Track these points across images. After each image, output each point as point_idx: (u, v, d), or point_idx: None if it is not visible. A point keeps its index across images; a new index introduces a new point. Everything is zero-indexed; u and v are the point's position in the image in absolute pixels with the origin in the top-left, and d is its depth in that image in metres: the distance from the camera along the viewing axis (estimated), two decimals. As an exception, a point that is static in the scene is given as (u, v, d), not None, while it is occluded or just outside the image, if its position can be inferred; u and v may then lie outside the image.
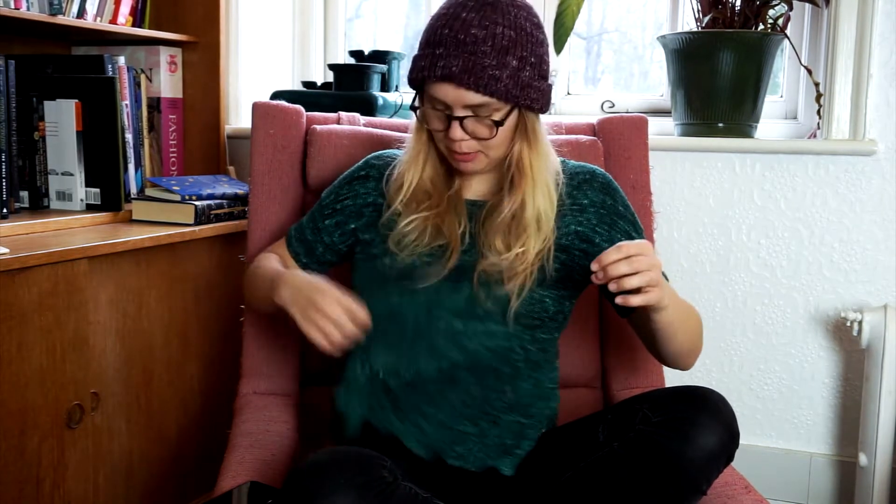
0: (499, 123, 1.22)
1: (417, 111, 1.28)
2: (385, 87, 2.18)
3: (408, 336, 1.27)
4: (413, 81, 1.26)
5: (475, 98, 1.20)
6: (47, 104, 1.90)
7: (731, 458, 1.12)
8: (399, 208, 1.31)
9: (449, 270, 1.27)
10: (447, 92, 1.20)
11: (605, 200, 1.32)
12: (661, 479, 1.09)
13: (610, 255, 1.09)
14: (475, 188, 1.34)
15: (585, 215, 1.31)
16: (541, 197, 1.27)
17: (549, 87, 1.27)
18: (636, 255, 1.09)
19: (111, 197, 1.92)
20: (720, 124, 1.94)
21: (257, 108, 1.62)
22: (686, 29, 2.09)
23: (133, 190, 2.00)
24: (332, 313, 1.16)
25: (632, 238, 1.32)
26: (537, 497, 1.22)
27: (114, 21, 2.00)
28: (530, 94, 1.23)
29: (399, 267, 1.29)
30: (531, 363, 1.31)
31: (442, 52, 1.19)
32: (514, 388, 1.30)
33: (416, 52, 1.25)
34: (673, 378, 2.12)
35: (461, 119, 1.22)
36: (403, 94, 2.15)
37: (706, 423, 1.09)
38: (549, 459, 1.26)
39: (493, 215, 1.28)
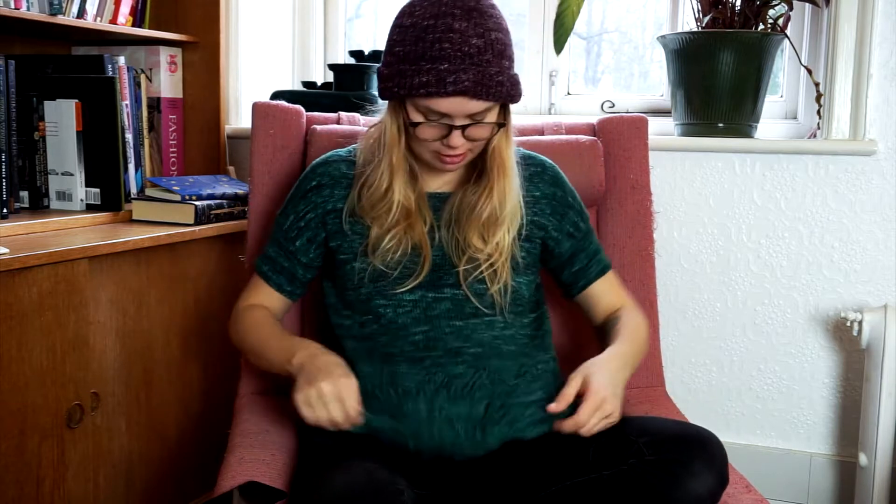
0: (501, 125, 1.25)
1: (404, 125, 1.25)
2: (385, 87, 2.18)
3: (420, 346, 1.27)
4: (410, 96, 1.20)
5: (481, 106, 1.20)
6: (47, 104, 1.90)
7: (716, 501, 1.13)
8: (370, 220, 1.30)
9: (425, 274, 1.29)
10: (455, 105, 1.19)
11: (556, 192, 1.38)
12: None
13: (585, 416, 1.17)
14: (437, 180, 1.35)
15: (538, 206, 1.36)
16: (514, 189, 1.30)
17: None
18: (601, 405, 1.18)
19: (111, 197, 1.92)
20: (720, 124, 1.94)
21: (257, 108, 1.62)
22: (686, 29, 2.09)
23: (133, 190, 2.00)
24: (333, 410, 1.18)
25: (578, 227, 1.39)
26: None
27: (114, 21, 2.00)
28: (517, 88, 1.25)
29: (371, 271, 1.30)
30: (532, 345, 1.34)
31: (448, 68, 1.17)
32: (531, 365, 1.32)
33: (395, 64, 1.20)
34: (672, 378, 2.12)
35: (463, 127, 1.22)
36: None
37: (699, 470, 1.10)
38: (535, 466, 1.26)
39: (467, 210, 1.30)
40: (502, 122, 1.25)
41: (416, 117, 1.23)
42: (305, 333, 1.59)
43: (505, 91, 1.21)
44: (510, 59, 1.23)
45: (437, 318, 1.28)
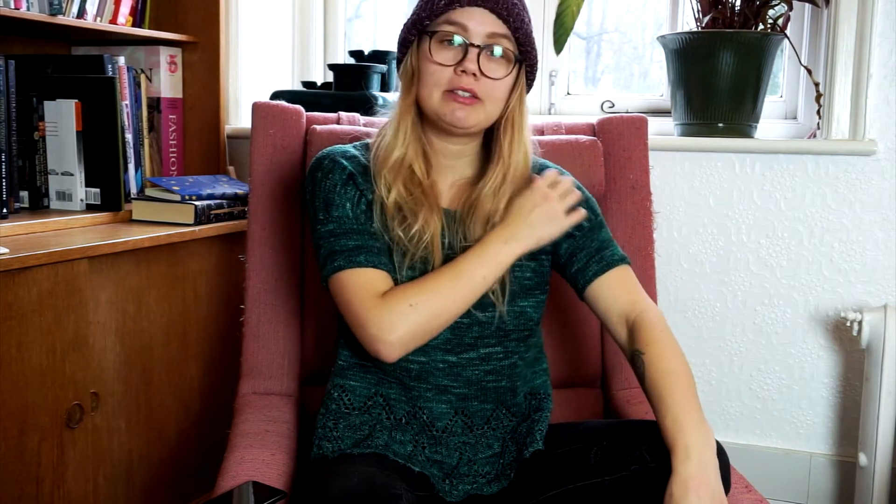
0: (518, 59, 1.21)
1: (417, 71, 1.21)
2: (385, 87, 2.18)
3: (413, 376, 1.25)
4: (433, 16, 1.19)
5: (500, 27, 1.18)
6: (47, 104, 1.90)
7: None
8: (386, 186, 1.21)
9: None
10: (476, 15, 1.18)
11: None
12: None
13: None
14: (448, 195, 1.28)
15: None
16: (512, 187, 1.24)
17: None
18: None
19: (111, 197, 1.92)
20: (720, 124, 1.94)
21: (257, 108, 1.62)
22: (686, 29, 2.09)
23: (133, 190, 2.00)
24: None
25: (579, 225, 1.26)
26: None
27: (114, 21, 2.00)
28: (534, 48, 1.24)
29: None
30: (528, 364, 1.32)
31: None
32: (520, 395, 1.30)
33: (415, 11, 1.21)
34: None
35: (480, 49, 1.18)
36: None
37: None
38: (537, 471, 1.26)
39: (468, 219, 1.24)
40: (517, 56, 1.21)
41: (435, 43, 1.19)
42: (307, 340, 1.59)
43: (524, 28, 1.20)
44: (530, 23, 1.23)
45: (433, 350, 1.24)
